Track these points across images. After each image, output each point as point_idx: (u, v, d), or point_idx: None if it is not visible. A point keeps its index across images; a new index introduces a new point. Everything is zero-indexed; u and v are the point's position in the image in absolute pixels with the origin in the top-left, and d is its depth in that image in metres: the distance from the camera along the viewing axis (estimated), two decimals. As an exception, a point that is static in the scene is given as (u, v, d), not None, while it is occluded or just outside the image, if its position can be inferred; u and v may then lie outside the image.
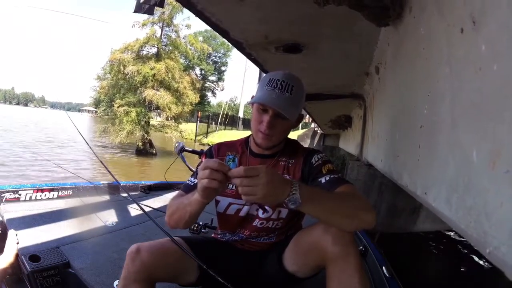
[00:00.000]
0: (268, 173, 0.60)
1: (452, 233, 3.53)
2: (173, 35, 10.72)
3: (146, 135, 10.10)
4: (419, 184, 0.80)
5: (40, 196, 1.67)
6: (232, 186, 0.85)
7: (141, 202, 1.48)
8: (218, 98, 37.37)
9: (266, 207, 0.86)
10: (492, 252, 0.42)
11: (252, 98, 0.83)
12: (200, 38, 22.98)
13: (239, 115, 27.18)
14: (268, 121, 0.78)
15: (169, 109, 10.09)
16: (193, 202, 0.71)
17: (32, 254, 1.07)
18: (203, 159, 0.90)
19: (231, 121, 23.88)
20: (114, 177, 1.27)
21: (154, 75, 9.79)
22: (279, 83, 0.77)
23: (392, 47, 1.27)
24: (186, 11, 10.44)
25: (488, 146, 0.45)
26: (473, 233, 0.48)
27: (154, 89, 9.89)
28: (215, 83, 30.88)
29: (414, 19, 0.87)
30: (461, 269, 2.87)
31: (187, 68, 18.41)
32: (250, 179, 0.59)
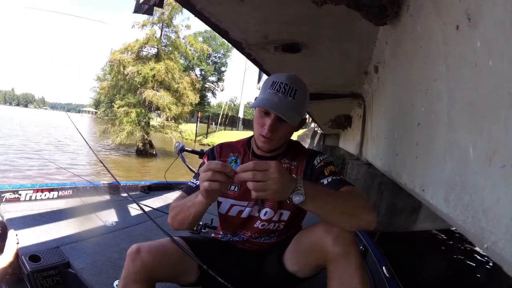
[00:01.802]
0: (279, 166, 0.59)
1: (452, 232, 3.53)
2: (172, 36, 10.71)
3: (146, 136, 10.09)
4: (417, 182, 0.81)
5: (40, 196, 1.67)
6: (235, 188, 0.86)
7: (141, 202, 1.48)
8: (218, 99, 37.45)
9: (267, 209, 0.86)
10: (490, 248, 0.42)
11: (255, 99, 0.83)
12: (200, 39, 23.00)
13: (239, 116, 27.18)
14: (270, 124, 0.78)
15: (169, 109, 10.08)
16: (196, 204, 0.71)
17: (32, 254, 1.07)
18: (205, 160, 0.90)
19: (231, 121, 23.88)
20: (114, 177, 1.27)
21: (154, 75, 9.79)
22: (282, 87, 0.77)
23: (390, 46, 1.28)
24: (185, 12, 10.46)
25: (485, 142, 0.46)
26: (470, 229, 0.48)
27: (154, 90, 9.88)
28: (215, 84, 30.90)
29: (412, 17, 0.88)
30: (461, 269, 2.87)
31: (187, 68, 18.42)
32: (262, 173, 0.58)
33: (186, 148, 1.82)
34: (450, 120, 0.59)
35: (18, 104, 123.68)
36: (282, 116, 0.75)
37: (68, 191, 1.79)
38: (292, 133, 0.86)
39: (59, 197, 1.75)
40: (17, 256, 1.07)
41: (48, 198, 1.70)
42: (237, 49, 1.78)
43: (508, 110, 0.40)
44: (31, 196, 1.64)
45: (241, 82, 28.36)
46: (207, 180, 0.63)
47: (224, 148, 0.92)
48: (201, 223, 1.52)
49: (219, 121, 22.10)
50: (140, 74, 9.62)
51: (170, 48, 10.61)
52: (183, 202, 0.78)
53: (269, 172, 0.58)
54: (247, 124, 24.10)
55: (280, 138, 0.82)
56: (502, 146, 0.41)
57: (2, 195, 1.53)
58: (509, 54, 0.40)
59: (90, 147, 1.54)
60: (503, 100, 0.41)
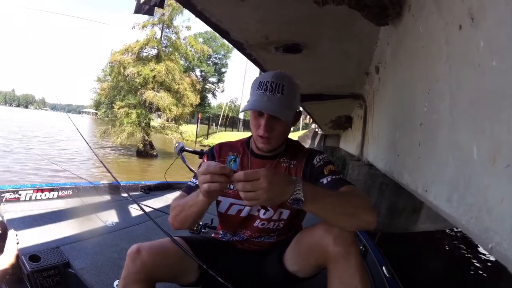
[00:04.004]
0: (269, 176, 0.59)
1: (452, 233, 3.53)
2: (173, 37, 10.73)
3: (146, 137, 10.10)
4: (420, 182, 0.80)
5: (40, 196, 1.67)
6: (234, 187, 0.86)
7: (141, 202, 1.48)
8: (219, 100, 37.54)
9: (268, 207, 0.86)
10: (494, 248, 0.41)
11: (248, 102, 0.84)
12: (200, 40, 23.04)
13: (239, 117, 27.18)
14: (264, 124, 0.78)
15: (170, 110, 10.09)
16: (198, 203, 0.72)
17: (32, 254, 1.07)
18: (205, 160, 0.90)
19: (231, 122, 23.90)
20: (114, 177, 1.27)
21: (154, 76, 9.80)
22: (269, 85, 0.77)
23: (392, 46, 1.28)
24: (186, 13, 10.48)
25: (488, 142, 0.45)
26: (474, 229, 0.48)
27: (154, 91, 9.89)
28: (216, 85, 30.91)
29: (413, 17, 0.87)
30: (461, 269, 2.86)
31: (187, 69, 18.44)
32: (251, 184, 0.59)
33: (186, 148, 1.82)
34: (453, 120, 0.59)
35: (18, 105, 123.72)
36: (274, 114, 0.76)
37: (68, 191, 1.79)
38: (290, 129, 0.86)
39: (59, 197, 1.74)
40: (17, 256, 1.07)
41: (48, 198, 1.70)
42: (238, 49, 1.78)
43: (511, 109, 0.40)
44: (31, 196, 1.64)
45: (242, 83, 28.41)
46: (206, 183, 0.64)
47: (223, 148, 0.93)
48: (201, 223, 1.51)
49: (219, 122, 22.12)
50: (141, 75, 9.63)
51: (171, 49, 10.64)
52: (184, 201, 0.78)
53: (258, 182, 0.59)
54: (247, 125, 24.09)
55: (278, 136, 0.82)
56: (505, 145, 0.41)
57: (2, 195, 1.53)
58: (512, 54, 0.40)
59: (90, 147, 1.54)
60: (506, 100, 0.41)
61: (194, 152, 1.87)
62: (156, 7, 1.48)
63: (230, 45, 1.76)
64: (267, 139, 0.80)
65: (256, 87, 0.79)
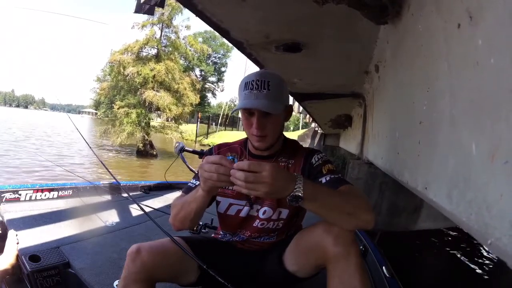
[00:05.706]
0: (273, 171, 0.59)
1: (452, 233, 3.53)
2: (172, 36, 10.71)
3: (146, 136, 10.09)
4: (420, 180, 0.81)
5: (40, 196, 1.67)
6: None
7: (141, 202, 1.48)
8: (218, 99, 37.50)
9: (265, 208, 0.86)
10: (494, 243, 0.42)
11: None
12: (200, 39, 23.02)
13: (239, 116, 27.16)
14: (256, 122, 0.78)
15: (169, 110, 10.08)
16: (198, 198, 0.72)
17: (32, 254, 1.07)
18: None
19: (231, 121, 23.88)
20: (114, 177, 1.27)
21: (154, 76, 9.79)
22: (254, 84, 0.78)
23: (391, 45, 1.28)
24: (185, 12, 10.48)
25: (487, 140, 0.46)
26: (474, 225, 0.48)
27: (154, 90, 9.88)
28: (215, 84, 30.90)
29: (413, 16, 0.88)
30: (461, 269, 2.87)
31: (187, 69, 18.42)
32: (254, 176, 0.59)
33: (186, 148, 1.82)
34: (453, 118, 0.59)
35: (18, 105, 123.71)
36: (264, 109, 0.76)
37: (68, 191, 1.79)
38: (283, 124, 0.87)
39: (59, 197, 1.74)
40: (17, 256, 1.07)
41: (48, 198, 1.70)
42: (238, 49, 1.78)
43: (510, 107, 0.40)
44: (31, 196, 1.64)
45: (241, 83, 28.27)
46: (207, 171, 0.65)
47: (223, 148, 0.93)
48: (201, 223, 1.51)
49: (219, 122, 22.13)
50: (140, 74, 9.61)
51: (170, 49, 10.61)
52: (184, 199, 0.79)
53: (261, 176, 0.59)
54: (247, 124, 23.98)
55: (272, 132, 0.82)
56: (504, 142, 0.41)
57: (2, 195, 1.53)
58: (510, 52, 0.40)
59: (90, 147, 1.54)
60: (505, 97, 0.41)
61: (194, 152, 1.87)
62: (156, 7, 1.48)
63: (230, 44, 1.76)
64: (261, 137, 0.80)
65: (243, 88, 0.80)
